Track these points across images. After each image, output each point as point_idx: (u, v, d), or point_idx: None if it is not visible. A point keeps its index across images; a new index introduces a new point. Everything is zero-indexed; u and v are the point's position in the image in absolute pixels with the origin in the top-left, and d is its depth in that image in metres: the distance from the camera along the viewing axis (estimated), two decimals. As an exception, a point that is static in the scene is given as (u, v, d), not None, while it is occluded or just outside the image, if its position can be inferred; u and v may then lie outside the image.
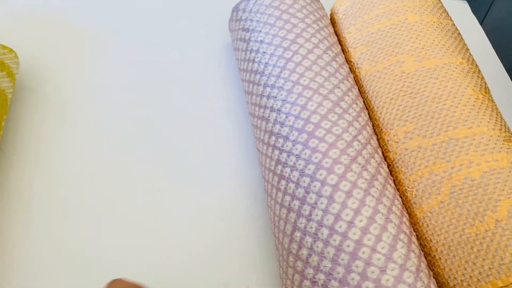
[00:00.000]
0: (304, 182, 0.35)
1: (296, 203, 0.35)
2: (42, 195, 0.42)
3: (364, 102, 0.43)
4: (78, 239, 0.41)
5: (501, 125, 0.36)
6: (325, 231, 0.33)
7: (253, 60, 0.43)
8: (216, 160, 0.46)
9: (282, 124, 0.38)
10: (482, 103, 0.37)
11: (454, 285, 0.32)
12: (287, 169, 0.36)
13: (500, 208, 0.32)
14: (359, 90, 0.43)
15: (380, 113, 0.40)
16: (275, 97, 0.40)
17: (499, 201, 0.32)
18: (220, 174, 0.45)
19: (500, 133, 0.36)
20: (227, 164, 0.45)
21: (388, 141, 0.39)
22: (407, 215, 0.35)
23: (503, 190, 0.32)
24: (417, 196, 0.36)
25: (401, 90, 0.40)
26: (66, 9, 0.56)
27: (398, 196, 0.36)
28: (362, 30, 0.45)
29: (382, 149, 0.40)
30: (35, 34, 0.53)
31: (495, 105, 0.39)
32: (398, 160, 0.38)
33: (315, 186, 0.34)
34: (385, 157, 0.39)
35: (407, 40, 0.42)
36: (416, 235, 0.35)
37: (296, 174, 0.36)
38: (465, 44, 0.43)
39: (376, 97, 0.41)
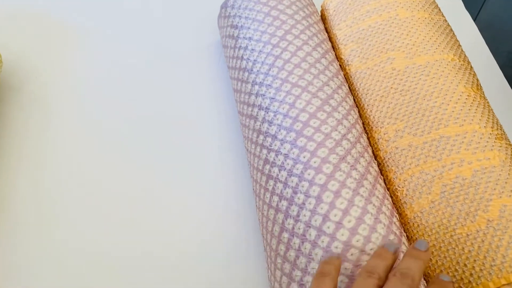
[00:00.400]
0: (292, 182, 0.34)
1: (284, 203, 0.34)
2: (26, 195, 0.42)
3: (354, 99, 0.42)
4: (63, 238, 0.40)
5: (493, 122, 0.36)
6: (313, 232, 0.32)
7: (242, 57, 0.42)
8: (206, 160, 0.45)
9: (270, 123, 0.37)
10: (474, 100, 0.37)
11: (445, 286, 0.31)
12: (275, 169, 0.36)
13: (491, 208, 0.31)
14: (349, 87, 0.42)
15: (371, 111, 0.40)
16: (263, 95, 0.39)
17: (490, 200, 0.31)
18: (209, 174, 0.44)
19: (492, 131, 0.35)
20: (217, 164, 0.45)
21: (378, 139, 0.38)
22: (397, 215, 0.34)
23: (494, 189, 0.32)
24: (408, 196, 0.35)
25: (391, 88, 0.39)
26: (53, 8, 0.55)
27: (388, 196, 0.35)
28: (353, 26, 0.44)
29: (372, 148, 0.39)
30: (21, 33, 0.53)
31: (487, 102, 0.38)
32: (389, 159, 0.37)
33: (303, 186, 0.33)
34: (375, 156, 0.39)
35: (398, 36, 0.41)
36: (407, 235, 0.35)
37: (284, 173, 0.35)
38: (457, 40, 0.42)
39: (366, 94, 0.40)
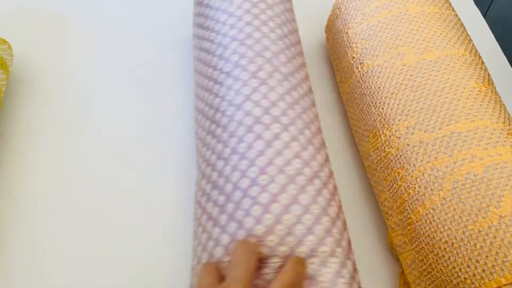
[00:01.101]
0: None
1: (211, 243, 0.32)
2: (28, 189, 0.42)
3: (367, 99, 0.41)
4: (63, 237, 0.40)
5: (505, 118, 0.35)
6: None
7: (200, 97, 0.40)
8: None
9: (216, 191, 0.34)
10: (485, 95, 0.36)
11: (458, 283, 0.31)
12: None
13: (503, 204, 0.31)
14: (362, 86, 0.42)
15: (382, 108, 0.39)
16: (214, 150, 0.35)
17: (502, 196, 0.31)
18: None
19: (504, 126, 0.35)
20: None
21: (390, 136, 0.38)
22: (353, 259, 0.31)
23: (506, 185, 0.31)
24: (420, 193, 0.35)
25: (402, 84, 0.39)
26: (61, 3, 0.55)
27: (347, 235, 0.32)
28: (363, 23, 0.44)
29: (384, 145, 0.39)
30: (30, 28, 0.53)
31: (499, 97, 0.38)
32: (401, 156, 0.37)
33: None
34: (387, 153, 0.38)
35: (408, 32, 0.41)
36: (419, 232, 0.35)
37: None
38: (468, 35, 0.42)
39: (377, 92, 0.40)
